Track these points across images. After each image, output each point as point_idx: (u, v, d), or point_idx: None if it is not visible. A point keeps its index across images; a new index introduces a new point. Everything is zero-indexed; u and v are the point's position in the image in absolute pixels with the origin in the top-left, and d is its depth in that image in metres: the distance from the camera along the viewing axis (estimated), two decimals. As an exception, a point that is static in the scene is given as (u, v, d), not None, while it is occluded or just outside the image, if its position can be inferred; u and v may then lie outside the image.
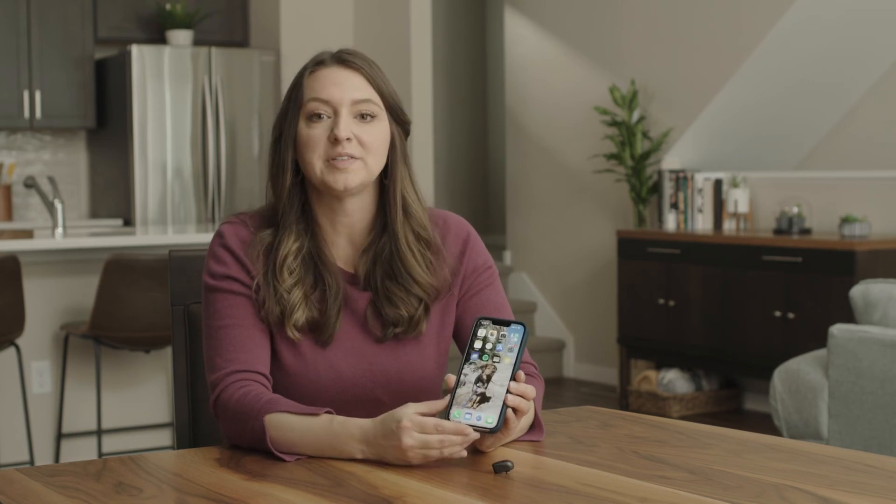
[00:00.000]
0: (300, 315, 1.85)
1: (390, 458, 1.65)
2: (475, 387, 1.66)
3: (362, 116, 1.86)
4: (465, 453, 1.65)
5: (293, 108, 1.88)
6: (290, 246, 1.88)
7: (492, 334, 1.69)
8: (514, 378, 1.67)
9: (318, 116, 1.86)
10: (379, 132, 1.87)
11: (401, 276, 1.88)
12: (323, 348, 1.87)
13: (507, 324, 1.70)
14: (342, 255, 1.92)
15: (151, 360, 5.11)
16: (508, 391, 1.66)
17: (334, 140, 1.84)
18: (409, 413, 1.63)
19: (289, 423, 1.73)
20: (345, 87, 1.86)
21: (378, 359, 1.89)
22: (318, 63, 1.90)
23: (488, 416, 1.65)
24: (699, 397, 6.23)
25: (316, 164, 1.85)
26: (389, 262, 1.89)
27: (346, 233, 1.92)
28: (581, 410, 2.06)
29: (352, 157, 1.84)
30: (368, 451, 1.68)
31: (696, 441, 1.82)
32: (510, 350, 1.68)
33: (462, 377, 1.67)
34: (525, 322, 1.74)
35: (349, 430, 1.69)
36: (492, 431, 1.65)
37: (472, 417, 1.65)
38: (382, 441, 1.65)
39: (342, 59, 1.89)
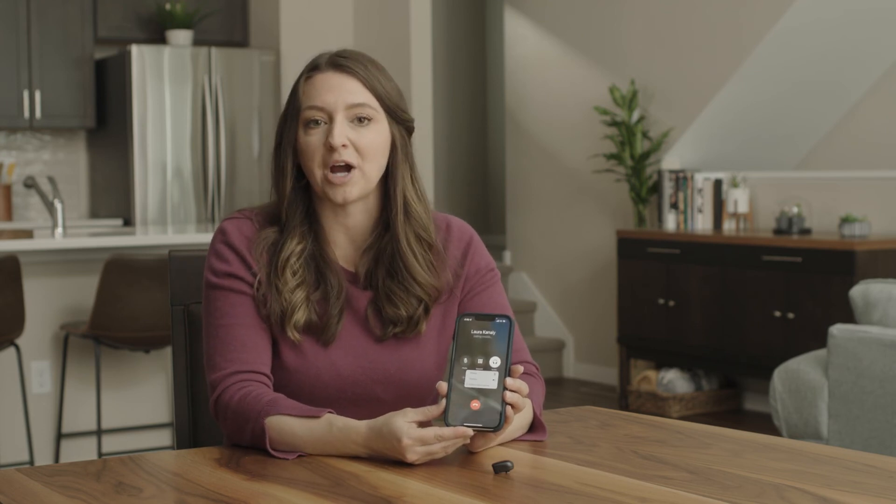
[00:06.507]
0: (300, 316, 1.86)
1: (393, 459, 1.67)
2: (469, 388, 1.65)
3: (359, 120, 1.86)
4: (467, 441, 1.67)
5: (292, 115, 1.89)
6: (294, 247, 1.88)
7: (477, 331, 1.66)
8: (508, 374, 1.66)
9: (315, 123, 1.86)
10: (376, 135, 1.87)
11: (401, 275, 1.88)
12: (324, 347, 1.88)
13: (491, 318, 1.67)
14: (343, 254, 1.93)
15: (151, 360, 5.11)
16: (505, 387, 1.65)
17: (330, 147, 1.84)
18: (407, 428, 1.63)
19: (289, 427, 1.73)
20: (339, 93, 1.85)
21: (378, 357, 1.89)
22: (313, 68, 1.89)
23: (488, 417, 1.64)
24: (699, 397, 6.23)
25: (316, 172, 1.86)
26: (391, 262, 1.89)
27: (348, 233, 1.92)
28: (581, 410, 2.06)
29: (349, 165, 1.84)
30: (371, 454, 1.69)
31: (696, 441, 1.82)
32: (499, 346, 1.65)
33: (453, 379, 1.65)
34: (513, 317, 1.70)
35: (350, 436, 1.70)
36: (494, 431, 1.65)
37: (472, 420, 1.64)
38: (385, 451, 1.66)
39: (337, 63, 1.88)
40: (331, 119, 1.85)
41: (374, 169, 1.87)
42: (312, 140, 1.86)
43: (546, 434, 1.82)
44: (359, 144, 1.85)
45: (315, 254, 1.90)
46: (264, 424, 1.74)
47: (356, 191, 1.86)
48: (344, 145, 1.84)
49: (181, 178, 6.72)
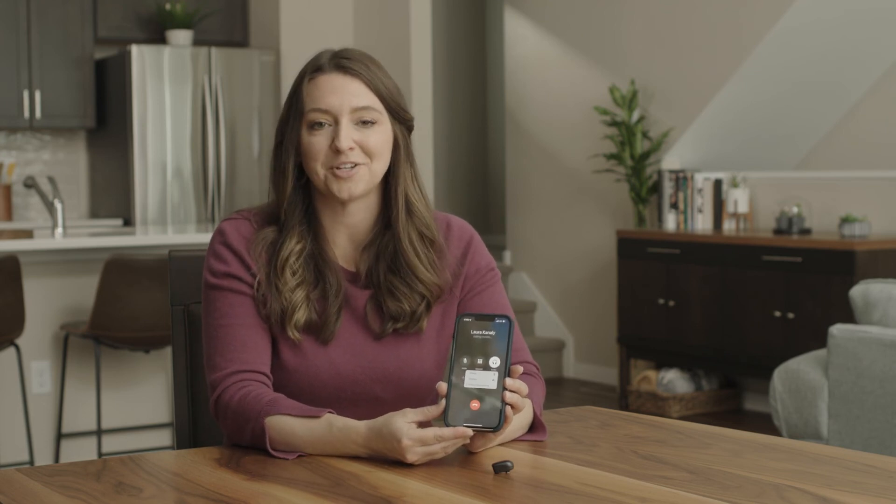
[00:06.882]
0: (301, 315, 1.86)
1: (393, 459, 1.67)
2: (469, 388, 1.64)
3: (363, 122, 1.86)
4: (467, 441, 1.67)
5: (294, 116, 1.88)
6: (293, 247, 1.88)
7: (477, 331, 1.66)
8: (507, 374, 1.66)
9: (320, 125, 1.86)
10: (381, 136, 1.87)
11: (403, 271, 1.89)
12: (323, 346, 1.88)
13: (490, 318, 1.66)
14: (343, 253, 1.93)
15: (151, 360, 5.11)
16: (504, 388, 1.65)
17: (336, 150, 1.84)
18: (406, 429, 1.63)
19: (290, 427, 1.73)
20: (344, 95, 1.85)
21: (377, 356, 1.89)
22: (316, 69, 1.88)
23: (488, 418, 1.64)
24: (699, 397, 6.23)
25: (319, 171, 1.86)
26: (392, 259, 1.90)
27: (347, 232, 1.92)
28: (581, 410, 2.06)
29: (355, 163, 1.85)
30: (371, 454, 1.69)
31: (696, 441, 1.82)
32: (498, 346, 1.65)
33: (453, 379, 1.65)
34: (513, 317, 1.70)
35: (350, 436, 1.70)
36: (494, 431, 1.65)
37: (472, 420, 1.64)
38: (385, 452, 1.66)
39: (340, 64, 1.87)
40: (336, 121, 1.85)
41: (379, 166, 1.88)
42: (317, 141, 1.86)
43: (546, 434, 1.82)
44: (365, 144, 1.85)
45: (314, 253, 1.90)
46: (264, 424, 1.74)
47: (361, 186, 1.86)
48: (351, 148, 1.84)
49: (181, 178, 6.72)
